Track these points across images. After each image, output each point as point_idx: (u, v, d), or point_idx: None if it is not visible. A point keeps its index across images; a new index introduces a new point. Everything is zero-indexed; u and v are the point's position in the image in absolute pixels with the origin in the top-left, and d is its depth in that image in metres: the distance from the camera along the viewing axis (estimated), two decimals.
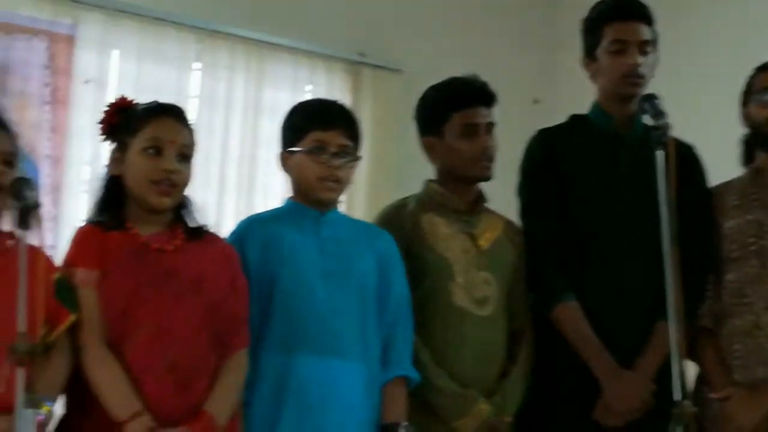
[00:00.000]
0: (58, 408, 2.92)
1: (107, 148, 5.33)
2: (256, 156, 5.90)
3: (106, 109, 3.17)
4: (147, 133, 3.07)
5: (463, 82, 3.64)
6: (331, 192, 3.32)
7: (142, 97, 3.29)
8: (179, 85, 5.67)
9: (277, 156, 3.42)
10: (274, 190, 5.94)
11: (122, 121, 3.12)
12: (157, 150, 3.05)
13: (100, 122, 3.17)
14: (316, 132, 3.29)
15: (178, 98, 5.21)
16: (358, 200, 5.89)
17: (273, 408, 3.15)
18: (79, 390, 2.95)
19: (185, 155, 3.10)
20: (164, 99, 3.27)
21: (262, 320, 3.20)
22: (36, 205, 2.71)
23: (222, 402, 3.01)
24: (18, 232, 2.71)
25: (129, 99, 3.20)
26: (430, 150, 3.64)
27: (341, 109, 3.44)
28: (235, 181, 5.80)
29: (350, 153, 3.33)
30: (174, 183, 3.05)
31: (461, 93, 3.60)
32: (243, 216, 5.48)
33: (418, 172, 3.81)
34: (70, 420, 3.00)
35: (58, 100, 5.40)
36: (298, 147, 3.31)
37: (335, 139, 3.29)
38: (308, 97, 5.93)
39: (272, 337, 3.20)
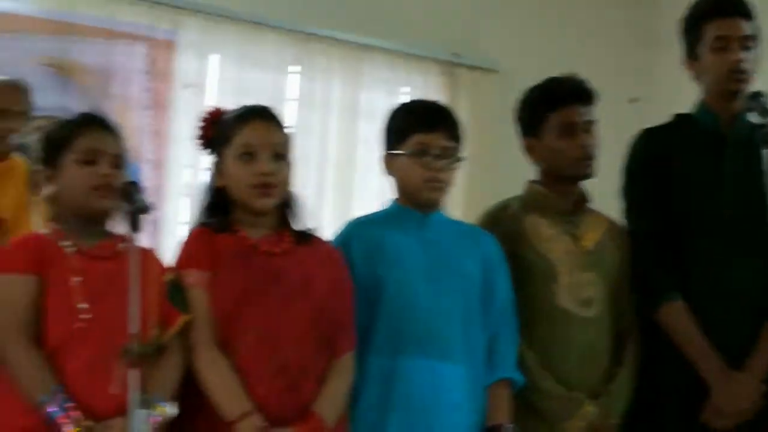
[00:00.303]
0: (172, 409, 2.95)
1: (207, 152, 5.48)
2: (353, 158, 5.96)
3: (201, 124, 3.21)
4: (238, 140, 3.09)
5: (560, 81, 3.62)
6: (435, 193, 3.32)
7: (240, 100, 3.34)
8: (277, 88, 5.76)
9: (380, 158, 3.42)
10: (371, 192, 5.97)
11: (216, 132, 3.16)
12: (250, 155, 3.07)
13: (198, 137, 3.21)
14: (418, 134, 3.29)
15: (276, 101, 5.25)
16: (455, 201, 5.85)
17: (379, 411, 3.15)
18: (191, 391, 2.97)
19: (280, 154, 3.10)
20: (262, 102, 3.28)
21: (368, 323, 3.20)
22: (147, 208, 2.75)
23: (330, 404, 3.02)
24: (129, 234, 2.75)
25: (219, 109, 3.22)
26: (530, 151, 3.62)
27: (443, 111, 3.43)
28: (333, 183, 5.87)
29: (453, 154, 3.32)
30: (272, 183, 3.07)
31: (557, 92, 3.58)
32: (341, 218, 5.59)
33: (514, 173, 3.80)
34: (182, 421, 3.00)
35: (158, 104, 5.51)
36: (401, 150, 3.31)
37: (438, 141, 3.29)
38: (404, 98, 5.92)
39: (377, 340, 3.20)
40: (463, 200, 5.88)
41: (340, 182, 5.92)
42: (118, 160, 2.97)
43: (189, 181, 5.54)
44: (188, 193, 5.51)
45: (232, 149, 3.09)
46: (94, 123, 3.00)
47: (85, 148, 2.93)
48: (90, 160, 2.92)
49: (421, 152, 3.27)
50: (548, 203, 3.58)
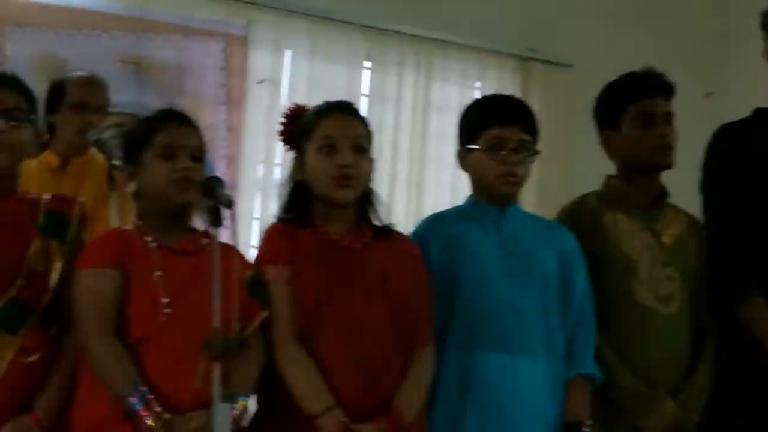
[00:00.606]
0: (252, 404, 2.97)
1: (282, 147, 5.51)
2: (425, 153, 5.95)
3: (283, 119, 3.23)
4: (319, 132, 3.10)
5: (639, 74, 3.61)
6: (511, 187, 3.30)
7: (313, 95, 3.35)
8: (349, 83, 5.76)
9: (454, 154, 3.41)
10: (443, 187, 5.97)
11: (298, 127, 3.17)
12: (330, 147, 3.08)
13: (280, 133, 3.23)
14: (494, 129, 3.28)
15: (348, 96, 5.25)
16: (528, 197, 5.81)
17: (457, 406, 3.15)
18: (272, 386, 2.99)
19: (360, 147, 3.11)
20: (335, 97, 3.30)
21: (445, 318, 3.19)
22: (230, 203, 2.76)
23: (411, 399, 3.02)
24: (211, 229, 2.76)
25: (302, 105, 3.24)
26: (608, 144, 3.60)
27: (518, 105, 3.43)
28: (405, 177, 5.86)
29: (529, 148, 3.31)
30: (351, 176, 3.07)
31: (637, 84, 3.57)
32: (413, 213, 5.61)
33: (587, 168, 3.79)
34: (263, 415, 3.04)
35: (233, 100, 5.53)
36: (476, 144, 3.30)
37: (513, 134, 3.27)
38: (477, 93, 5.95)
39: (455, 335, 3.19)
40: (535, 196, 5.82)
41: (413, 177, 5.91)
42: (198, 154, 2.99)
43: (263, 176, 5.59)
44: (262, 188, 5.55)
45: (313, 142, 3.10)
46: (172, 118, 3.03)
47: (165, 143, 2.95)
48: (170, 154, 2.94)
49: (496, 146, 3.26)
50: (627, 198, 3.56)
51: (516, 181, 3.30)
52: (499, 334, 3.19)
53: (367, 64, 5.87)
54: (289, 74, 5.70)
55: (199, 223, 3.02)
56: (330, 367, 2.95)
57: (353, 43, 5.76)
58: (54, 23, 5.23)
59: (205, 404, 2.75)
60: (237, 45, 5.52)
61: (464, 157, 3.37)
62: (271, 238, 3.10)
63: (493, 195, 3.32)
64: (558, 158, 5.91)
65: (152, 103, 5.21)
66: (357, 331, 2.98)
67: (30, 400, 2.86)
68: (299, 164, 3.16)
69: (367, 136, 3.17)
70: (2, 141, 2.91)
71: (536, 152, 3.34)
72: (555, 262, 3.31)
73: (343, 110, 3.18)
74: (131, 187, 3.00)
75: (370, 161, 3.16)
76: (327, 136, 3.09)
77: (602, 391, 3.32)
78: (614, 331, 3.40)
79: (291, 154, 3.24)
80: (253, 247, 3.75)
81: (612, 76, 3.70)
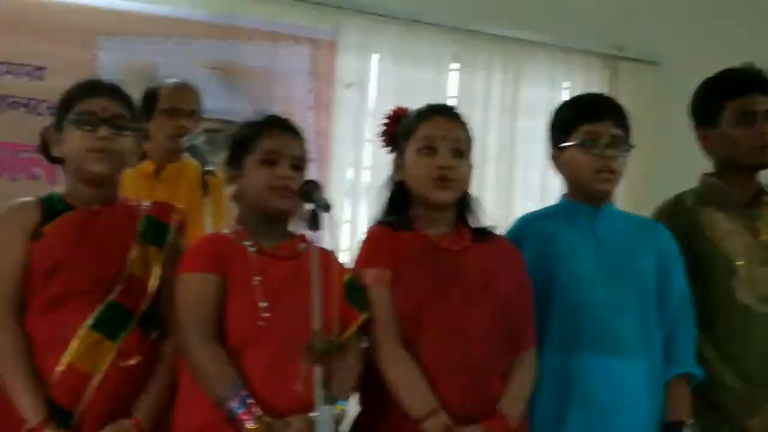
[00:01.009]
0: (351, 407, 2.97)
1: (370, 150, 5.53)
2: (514, 154, 5.93)
3: (385, 121, 3.24)
4: (420, 134, 3.10)
5: (739, 70, 3.57)
6: (607, 183, 3.27)
7: (401, 99, 3.35)
8: (437, 86, 5.76)
9: (547, 156, 3.40)
10: (532, 188, 5.94)
11: (398, 129, 3.18)
12: (430, 149, 3.08)
13: (381, 134, 3.24)
14: (586, 124, 3.25)
15: (436, 99, 5.26)
16: (617, 195, 5.79)
17: (558, 408, 3.13)
18: (372, 389, 2.99)
19: (459, 150, 3.11)
20: (423, 100, 3.30)
21: (541, 320, 3.17)
22: (328, 207, 2.77)
23: (515, 402, 3.00)
24: (310, 233, 2.78)
25: (403, 107, 3.24)
26: (705, 142, 3.56)
27: (609, 100, 3.41)
28: (494, 180, 5.84)
29: (622, 143, 3.27)
30: (450, 178, 3.07)
31: (737, 81, 3.53)
32: (501, 215, 5.58)
33: (678, 166, 3.74)
34: (363, 419, 3.06)
35: (320, 104, 5.56)
36: (569, 142, 3.27)
37: (606, 129, 3.24)
38: (566, 94, 5.93)
39: (552, 337, 3.17)
40: (624, 195, 5.78)
41: (501, 179, 5.90)
42: (298, 163, 2.99)
43: (351, 180, 5.60)
44: (350, 192, 5.57)
45: (413, 143, 3.11)
46: (276, 125, 3.04)
47: (267, 149, 2.96)
48: (271, 160, 2.95)
49: (589, 142, 3.24)
50: (725, 196, 3.52)
51: (610, 177, 3.26)
52: (596, 335, 3.17)
53: (455, 66, 5.86)
54: (377, 78, 5.72)
55: (296, 226, 3.03)
56: (434, 371, 2.94)
57: (441, 45, 5.76)
58: (145, 31, 5.30)
59: (303, 408, 2.78)
60: (325, 49, 5.55)
61: (557, 158, 3.34)
62: (372, 240, 3.10)
63: (588, 192, 3.29)
64: (647, 157, 5.83)
65: (241, 108, 5.24)
66: (460, 334, 2.97)
67: (130, 403, 2.89)
68: (399, 165, 3.16)
69: (467, 140, 3.16)
70: (105, 149, 2.94)
71: (631, 146, 3.30)
72: (652, 261, 3.28)
73: (445, 113, 3.18)
74: (231, 190, 3.01)
75: (469, 165, 3.15)
76: (427, 137, 3.09)
77: (703, 390, 3.29)
78: (714, 330, 3.37)
79: (388, 157, 3.25)
80: (344, 250, 3.76)
81: (701, 73, 3.66)
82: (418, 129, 3.11)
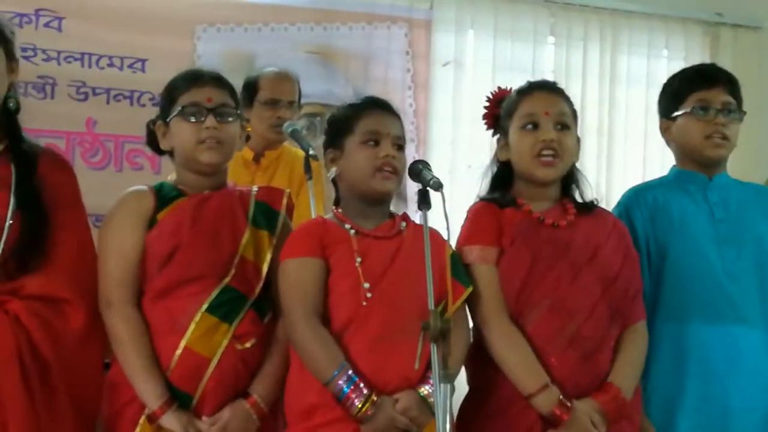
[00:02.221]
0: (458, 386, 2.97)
1: (468, 129, 5.52)
2: (613, 125, 5.89)
3: (487, 103, 3.22)
4: (522, 110, 3.09)
5: None
6: (719, 149, 3.25)
7: (498, 75, 3.32)
8: (534, 60, 5.74)
9: (659, 127, 3.37)
10: (634, 160, 5.90)
11: (501, 109, 3.16)
12: (533, 125, 3.06)
13: (484, 117, 3.22)
14: (698, 92, 3.24)
15: (533, 74, 5.28)
16: None
17: (673, 377, 3.13)
18: (480, 367, 3.00)
19: (564, 123, 3.08)
20: (520, 76, 3.30)
21: (654, 290, 3.16)
22: (438, 186, 2.77)
23: (627, 374, 2.99)
24: (422, 211, 2.78)
25: (504, 88, 3.22)
26: None
27: (719, 69, 3.39)
28: (594, 151, 5.80)
29: (734, 110, 3.26)
30: (555, 151, 3.04)
31: None
32: (600, 186, 5.55)
33: None
34: (472, 397, 3.07)
35: (418, 84, 5.57)
36: (681, 110, 3.26)
37: (718, 96, 3.24)
38: (665, 63, 5.88)
39: (666, 307, 3.17)
40: (730, 162, 5.72)
41: (601, 150, 5.87)
42: (399, 142, 2.99)
43: (450, 158, 5.61)
44: (450, 170, 5.57)
45: (515, 121, 3.09)
46: (376, 106, 3.03)
47: (369, 129, 2.96)
48: (373, 140, 2.95)
49: (702, 108, 3.22)
50: None
51: (723, 143, 3.25)
52: (712, 303, 3.16)
53: (551, 39, 5.83)
54: (473, 55, 5.71)
55: (397, 207, 3.04)
56: (542, 346, 2.94)
57: (537, 19, 5.75)
58: (242, 19, 5.37)
59: (410, 385, 2.82)
60: (421, 29, 5.58)
61: (667, 128, 3.32)
62: (476, 217, 3.09)
63: (700, 159, 3.28)
64: (751, 122, 5.75)
65: (341, 91, 5.29)
66: (568, 308, 2.96)
67: (246, 385, 2.93)
68: (503, 146, 3.14)
69: (572, 113, 3.13)
70: (214, 137, 2.97)
71: (743, 113, 3.28)
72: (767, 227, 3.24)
73: (546, 88, 3.16)
74: (332, 172, 3.03)
75: (575, 138, 3.12)
76: (529, 113, 3.08)
77: None
78: None
79: (487, 134, 3.25)
80: (451, 228, 3.75)
81: None
82: (519, 106, 3.10)
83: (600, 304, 2.99)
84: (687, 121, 3.24)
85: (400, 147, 2.99)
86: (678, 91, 3.29)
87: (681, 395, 3.12)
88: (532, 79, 3.26)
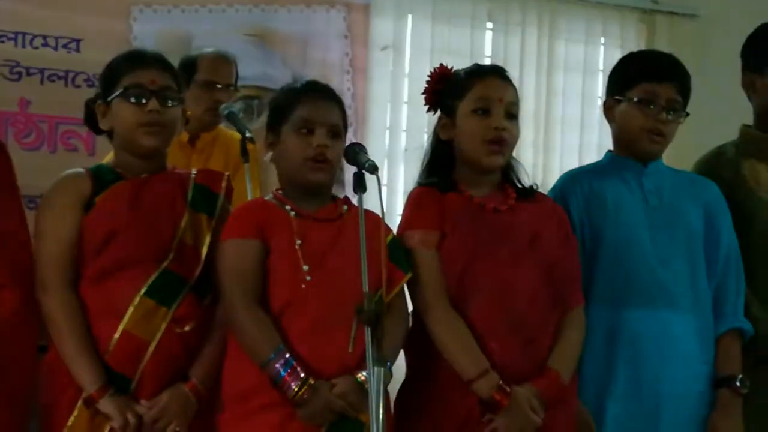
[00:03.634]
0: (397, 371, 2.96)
1: (406, 113, 5.52)
2: (551, 112, 5.92)
3: (428, 79, 3.18)
4: (474, 93, 3.06)
5: None
6: (655, 145, 3.27)
7: (436, 60, 3.32)
8: (472, 45, 5.74)
9: (602, 104, 3.39)
10: (571, 148, 5.93)
11: (446, 87, 3.13)
12: (485, 110, 3.04)
13: (424, 92, 3.18)
14: (647, 83, 3.24)
15: (471, 59, 5.26)
16: None
17: (605, 362, 3.14)
18: (419, 352, 3.00)
19: (511, 113, 3.07)
20: (458, 61, 3.29)
21: (588, 275, 3.17)
22: (373, 169, 2.76)
23: (566, 359, 3.00)
24: (357, 195, 2.77)
25: (448, 66, 3.18)
26: (750, 88, 3.54)
27: (675, 64, 3.36)
28: (531, 138, 5.82)
29: (679, 109, 3.26)
30: (504, 140, 3.04)
31: None
32: (537, 173, 5.58)
33: (715, 120, 3.70)
34: (411, 381, 3.06)
35: (356, 68, 5.56)
36: (627, 96, 3.26)
37: (666, 92, 3.24)
38: (602, 50, 5.91)
39: (599, 292, 3.18)
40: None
41: (538, 137, 5.89)
42: (336, 130, 2.96)
43: (388, 143, 5.61)
44: (387, 155, 5.57)
45: (466, 102, 3.06)
46: (314, 92, 3.01)
47: (302, 117, 2.93)
48: (307, 129, 2.93)
49: (647, 101, 3.23)
50: (766, 147, 3.48)
51: (660, 140, 3.26)
52: (645, 289, 3.17)
53: (489, 25, 5.84)
54: (411, 40, 5.70)
55: (338, 191, 3.03)
56: (483, 331, 2.94)
57: (475, 4, 5.75)
58: (178, 0, 5.29)
59: (346, 370, 2.81)
60: (359, 12, 5.56)
61: (610, 108, 3.33)
62: (417, 202, 3.08)
63: (635, 150, 3.29)
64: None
65: (278, 74, 5.27)
66: (509, 294, 2.96)
67: (185, 368, 2.92)
68: (445, 125, 3.12)
69: (518, 102, 3.12)
70: (155, 122, 2.95)
71: (686, 114, 3.29)
72: (700, 215, 3.28)
73: (499, 74, 3.13)
74: (268, 156, 3.01)
75: (518, 128, 3.11)
76: (483, 97, 3.05)
77: (753, 345, 3.27)
78: (757, 280, 3.34)
79: (424, 119, 3.24)
80: (389, 211, 3.76)
81: (741, 25, 3.63)
82: (472, 88, 3.07)
83: (541, 288, 3.00)
84: (629, 110, 3.25)
85: (337, 135, 2.96)
86: (628, 75, 3.30)
87: (612, 380, 3.14)
88: (470, 64, 3.24)
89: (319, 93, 3.01)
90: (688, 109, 3.31)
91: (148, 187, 2.97)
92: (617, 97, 3.29)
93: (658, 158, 3.33)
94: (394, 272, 2.93)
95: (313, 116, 2.93)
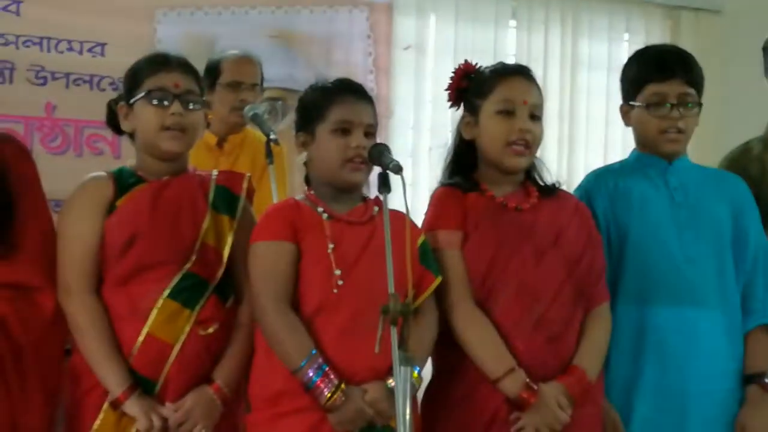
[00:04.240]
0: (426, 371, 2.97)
1: (429, 112, 5.53)
2: (575, 110, 5.91)
3: (452, 75, 3.17)
4: (498, 94, 3.05)
5: None
6: (674, 144, 3.24)
7: (459, 59, 3.31)
8: (496, 44, 5.75)
9: (619, 109, 3.35)
10: (595, 144, 5.92)
11: (470, 85, 3.12)
12: (509, 111, 3.03)
13: (448, 89, 3.17)
14: (653, 84, 3.22)
15: (494, 58, 5.27)
16: None
17: (632, 360, 3.13)
18: (446, 353, 2.99)
19: (536, 115, 3.06)
20: (481, 59, 3.24)
21: (614, 273, 3.16)
22: (398, 169, 2.74)
23: (592, 356, 3.00)
24: (381, 195, 2.76)
25: (474, 63, 3.17)
26: None
27: (678, 57, 3.32)
28: (555, 135, 5.81)
29: (691, 101, 3.23)
30: (528, 142, 3.03)
31: None
32: (562, 170, 5.57)
33: (742, 115, 3.68)
34: (437, 382, 3.06)
35: (380, 68, 5.56)
36: (637, 101, 3.24)
37: (673, 89, 3.20)
38: (626, 47, 5.88)
39: (626, 290, 3.17)
40: (690, 146, 5.74)
41: (563, 135, 5.89)
42: (371, 130, 2.95)
43: (412, 143, 5.61)
44: (411, 155, 5.58)
45: (489, 102, 3.06)
46: (349, 92, 2.99)
47: (340, 118, 2.92)
48: (344, 129, 2.91)
49: (656, 102, 3.21)
50: None
51: (677, 138, 3.23)
52: (671, 286, 3.16)
53: (513, 23, 5.84)
54: (435, 39, 5.71)
55: (370, 192, 3.02)
56: (508, 329, 2.94)
57: (498, 3, 5.76)
58: (202, 3, 5.34)
59: (378, 375, 2.80)
60: (382, 13, 5.57)
61: (626, 112, 3.32)
62: (440, 202, 3.08)
63: (656, 151, 3.26)
64: (711, 108, 5.78)
65: (302, 75, 5.28)
66: (533, 292, 2.96)
67: (209, 370, 2.92)
68: (468, 123, 3.11)
69: (542, 104, 3.11)
70: (177, 125, 2.94)
71: (700, 105, 3.26)
72: (727, 211, 3.26)
73: (523, 74, 3.12)
74: (302, 157, 2.99)
75: (542, 128, 3.10)
76: (507, 99, 3.04)
77: None
78: None
79: (448, 119, 3.22)
80: (415, 211, 3.74)
81: (765, 19, 3.60)
82: (496, 88, 3.06)
83: (565, 286, 2.99)
84: (642, 114, 3.23)
85: (372, 135, 2.95)
86: (635, 80, 3.27)
87: (639, 378, 3.12)
88: (492, 63, 3.22)
89: (355, 93, 3.00)
90: (713, 103, 3.28)
91: (169, 190, 2.97)
92: (630, 103, 3.27)
93: (682, 155, 3.30)
94: (425, 276, 2.93)
95: (351, 116, 2.92)
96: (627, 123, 3.33)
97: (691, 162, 3.36)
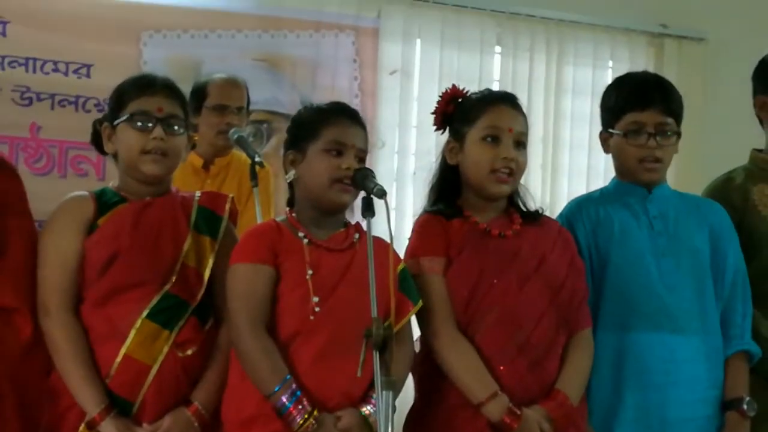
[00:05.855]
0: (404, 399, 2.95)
1: (414, 137, 5.54)
2: (559, 136, 5.93)
3: (439, 99, 3.18)
4: (484, 121, 3.06)
5: None
6: (652, 173, 3.25)
7: (445, 84, 3.33)
8: (481, 70, 5.75)
9: (599, 136, 3.36)
10: (579, 170, 5.94)
11: (457, 110, 3.13)
12: (494, 138, 3.05)
13: (434, 112, 3.18)
14: (631, 113, 3.22)
15: (480, 83, 5.29)
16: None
17: (613, 387, 3.13)
18: (427, 378, 3.00)
19: (521, 142, 3.08)
20: (466, 85, 3.24)
21: (595, 300, 3.17)
22: (382, 194, 2.74)
23: (574, 381, 3.01)
24: (365, 219, 2.75)
25: (461, 88, 3.18)
26: (763, 109, 3.52)
27: (657, 85, 3.32)
28: (540, 161, 5.83)
29: (669, 130, 3.24)
30: (512, 170, 3.04)
31: None
32: (545, 195, 5.59)
33: (724, 144, 3.69)
34: (419, 406, 3.06)
35: (365, 92, 5.58)
36: (616, 129, 3.25)
37: (651, 118, 3.21)
38: (610, 73, 5.90)
39: (606, 317, 3.17)
40: (673, 174, 5.76)
41: (546, 162, 5.90)
42: (362, 155, 2.96)
43: (397, 167, 5.62)
44: (396, 179, 5.59)
45: (476, 129, 3.07)
46: (344, 115, 2.99)
47: (333, 138, 2.92)
48: (336, 150, 2.91)
49: (634, 131, 3.22)
50: None
51: (655, 168, 3.24)
52: (652, 313, 3.16)
53: (498, 49, 5.86)
54: (420, 64, 5.73)
55: (350, 217, 3.03)
56: (491, 354, 2.94)
57: (483, 29, 5.77)
58: (188, 26, 5.35)
59: (351, 402, 2.81)
60: (368, 37, 5.59)
61: (606, 140, 3.33)
62: (423, 229, 3.08)
63: (635, 180, 3.28)
64: (693, 132, 5.82)
65: (288, 99, 5.30)
66: (516, 316, 2.97)
67: (187, 393, 2.91)
68: (453, 148, 3.12)
69: (527, 131, 3.13)
70: (160, 149, 2.94)
71: (678, 134, 3.27)
72: (706, 238, 3.26)
73: (510, 102, 3.13)
74: (290, 175, 2.99)
75: (527, 156, 3.12)
76: (493, 126, 3.06)
77: (761, 367, 3.27)
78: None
79: (433, 143, 3.23)
80: (397, 237, 3.74)
81: (749, 49, 3.63)
82: (482, 116, 3.07)
83: (547, 312, 3.00)
84: (621, 142, 3.24)
85: (362, 160, 2.95)
86: (614, 108, 3.28)
87: (619, 405, 3.12)
88: (478, 89, 3.24)
89: (350, 116, 3.00)
90: (696, 131, 3.29)
91: (150, 210, 2.97)
92: (609, 130, 3.29)
93: (661, 182, 3.32)
94: (404, 302, 2.92)
95: (345, 138, 2.92)
96: (606, 150, 3.34)
97: (670, 189, 3.37)
